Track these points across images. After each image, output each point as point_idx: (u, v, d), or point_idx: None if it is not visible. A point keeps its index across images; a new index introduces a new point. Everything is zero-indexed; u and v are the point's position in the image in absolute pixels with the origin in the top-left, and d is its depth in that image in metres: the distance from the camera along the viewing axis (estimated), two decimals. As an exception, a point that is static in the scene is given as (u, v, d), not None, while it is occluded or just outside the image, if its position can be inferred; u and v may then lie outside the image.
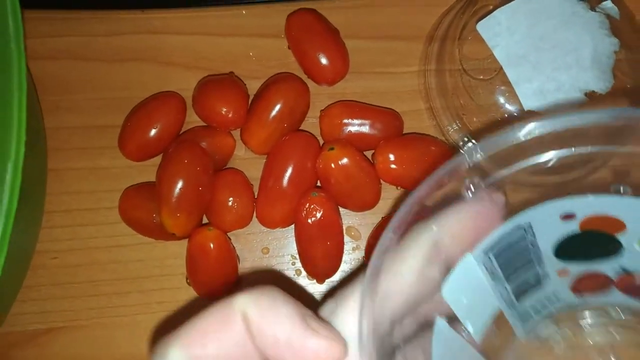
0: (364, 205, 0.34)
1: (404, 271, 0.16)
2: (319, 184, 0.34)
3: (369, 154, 0.34)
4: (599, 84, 0.29)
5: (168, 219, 0.31)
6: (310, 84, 0.35)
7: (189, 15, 0.36)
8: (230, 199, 0.33)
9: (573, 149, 0.17)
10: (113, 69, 0.36)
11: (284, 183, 0.32)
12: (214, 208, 0.33)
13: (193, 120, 0.35)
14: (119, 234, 0.35)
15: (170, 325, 0.32)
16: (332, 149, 0.32)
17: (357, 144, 0.33)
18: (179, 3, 0.36)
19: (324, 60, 0.34)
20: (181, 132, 0.35)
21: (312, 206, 0.32)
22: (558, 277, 0.20)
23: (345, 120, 0.33)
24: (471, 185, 0.16)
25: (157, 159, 0.35)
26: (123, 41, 0.36)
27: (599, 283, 0.21)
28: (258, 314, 0.16)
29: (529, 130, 0.15)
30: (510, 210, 0.17)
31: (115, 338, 0.34)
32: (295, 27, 0.35)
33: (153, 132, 0.34)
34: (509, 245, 0.18)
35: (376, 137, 0.34)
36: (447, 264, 0.17)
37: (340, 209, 0.34)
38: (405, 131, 0.35)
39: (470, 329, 0.18)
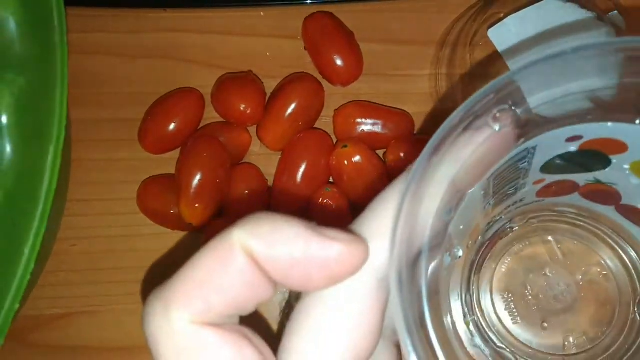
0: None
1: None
2: (331, 180, 0.35)
3: (380, 152, 0.35)
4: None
5: (186, 209, 0.32)
6: (325, 84, 0.36)
7: (210, 15, 0.38)
8: (246, 192, 0.34)
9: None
10: (136, 65, 0.37)
11: (298, 178, 0.34)
12: (230, 200, 0.34)
13: (211, 116, 0.37)
14: (136, 224, 0.36)
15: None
16: (345, 146, 0.33)
17: (369, 142, 0.34)
18: (200, 3, 0.37)
19: (339, 62, 0.35)
20: (199, 127, 0.36)
21: (324, 201, 0.33)
22: (532, 185, 0.21)
23: (359, 120, 0.35)
24: (498, 115, 0.15)
25: (175, 153, 0.36)
26: (146, 39, 0.38)
27: (565, 189, 0.21)
28: (263, 243, 0.14)
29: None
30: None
31: (129, 325, 0.35)
32: (311, 29, 0.36)
33: (172, 126, 0.35)
34: (508, 167, 0.18)
35: (388, 137, 0.35)
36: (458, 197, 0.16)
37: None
38: (416, 132, 0.36)
39: (460, 253, 0.19)
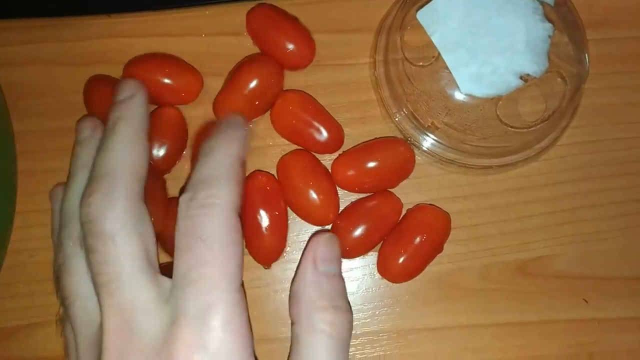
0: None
1: None
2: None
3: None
4: (534, 67, 0.31)
5: None
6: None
7: (154, 18, 0.38)
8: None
9: None
10: (81, 72, 0.37)
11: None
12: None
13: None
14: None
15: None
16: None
17: (299, 137, 0.35)
18: (143, 6, 0.37)
19: (290, 46, 0.35)
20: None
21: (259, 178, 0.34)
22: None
23: (296, 111, 0.35)
24: None
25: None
26: (91, 46, 0.38)
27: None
28: None
29: None
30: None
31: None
32: (256, 21, 0.36)
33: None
34: None
35: (316, 142, 0.35)
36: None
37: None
38: (363, 120, 0.37)
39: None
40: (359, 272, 0.36)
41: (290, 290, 0.28)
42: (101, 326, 0.23)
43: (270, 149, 0.37)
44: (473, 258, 0.36)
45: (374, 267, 0.36)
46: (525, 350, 0.36)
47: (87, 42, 0.38)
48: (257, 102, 0.35)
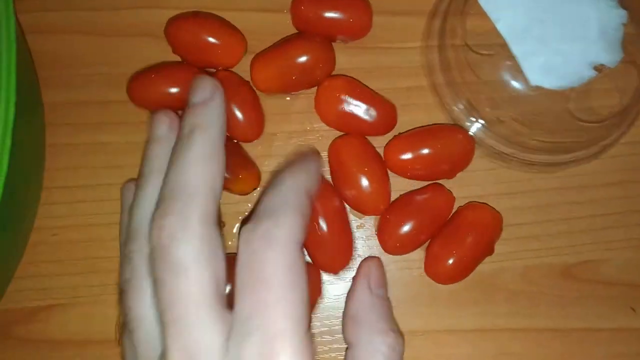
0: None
1: None
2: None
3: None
4: (607, 56, 0.29)
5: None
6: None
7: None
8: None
9: None
10: (114, 43, 0.35)
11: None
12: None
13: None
14: (118, 211, 0.34)
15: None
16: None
17: (345, 122, 0.33)
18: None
19: (344, 15, 0.33)
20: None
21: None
22: None
23: (343, 96, 0.33)
24: None
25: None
26: (122, 16, 0.36)
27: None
28: None
29: None
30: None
31: (114, 316, 0.34)
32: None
33: (174, 90, 0.33)
34: None
35: (366, 124, 0.33)
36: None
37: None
38: (409, 107, 0.35)
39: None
40: (395, 267, 0.34)
41: (346, 314, 0.28)
42: None
43: (309, 133, 0.35)
44: (515, 258, 0.35)
45: (412, 263, 0.34)
46: (567, 358, 0.34)
47: (118, 12, 0.36)
48: (294, 77, 0.33)
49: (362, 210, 0.34)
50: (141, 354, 0.23)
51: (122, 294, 0.25)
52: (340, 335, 0.31)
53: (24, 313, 0.34)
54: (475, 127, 0.33)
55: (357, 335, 0.26)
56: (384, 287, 0.29)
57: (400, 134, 0.34)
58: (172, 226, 0.22)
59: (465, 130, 0.33)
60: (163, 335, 0.21)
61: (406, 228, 0.32)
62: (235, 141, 0.34)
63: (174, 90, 0.33)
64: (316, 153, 0.28)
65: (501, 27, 0.29)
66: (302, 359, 0.20)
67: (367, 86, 0.34)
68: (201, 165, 0.23)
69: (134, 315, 0.24)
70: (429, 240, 0.33)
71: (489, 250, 0.33)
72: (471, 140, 0.33)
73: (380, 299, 0.28)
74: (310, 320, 0.22)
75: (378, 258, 0.32)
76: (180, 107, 0.33)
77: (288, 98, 0.35)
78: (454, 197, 0.34)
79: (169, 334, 0.21)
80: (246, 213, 0.35)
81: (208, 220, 0.22)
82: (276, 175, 0.25)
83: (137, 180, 0.27)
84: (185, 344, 0.21)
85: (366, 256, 0.34)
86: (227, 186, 0.33)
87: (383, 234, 0.33)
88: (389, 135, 0.34)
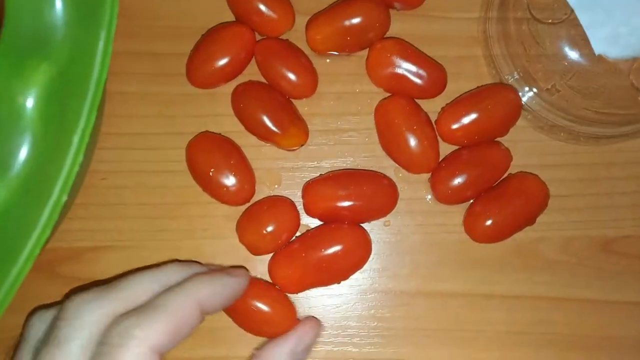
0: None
1: None
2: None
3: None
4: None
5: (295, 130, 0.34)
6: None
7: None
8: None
9: None
10: (172, -3, 0.36)
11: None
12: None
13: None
14: (167, 159, 0.35)
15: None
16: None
17: (395, 84, 0.34)
18: None
19: None
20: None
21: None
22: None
23: (394, 58, 0.33)
24: None
25: (214, 90, 0.35)
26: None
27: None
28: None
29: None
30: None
31: (156, 261, 0.34)
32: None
33: (225, 61, 0.34)
34: None
35: (416, 86, 0.34)
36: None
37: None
38: (460, 75, 0.35)
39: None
40: (437, 229, 0.35)
41: None
42: None
43: (358, 95, 0.36)
44: (557, 229, 0.35)
45: (453, 227, 0.35)
46: (604, 330, 0.34)
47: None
48: (349, 38, 0.34)
49: (412, 169, 0.34)
50: None
51: None
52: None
53: (71, 252, 0.35)
54: (528, 96, 0.34)
55: None
56: (308, 353, 0.30)
57: (448, 104, 0.35)
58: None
59: (509, 86, 0.33)
60: None
61: (459, 179, 0.32)
62: (287, 97, 0.35)
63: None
64: (245, 273, 0.30)
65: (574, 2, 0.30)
66: None
67: (418, 49, 0.35)
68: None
69: None
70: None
71: (531, 220, 0.34)
72: (516, 93, 0.33)
73: None
74: None
75: (318, 321, 0.32)
76: (234, 76, 0.35)
77: (340, 59, 0.36)
78: (511, 154, 0.34)
79: None
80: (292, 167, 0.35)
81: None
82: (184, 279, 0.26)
83: None
84: None
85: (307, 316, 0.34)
86: (275, 140, 0.34)
87: (436, 182, 0.33)
88: (438, 100, 0.35)
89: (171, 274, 0.26)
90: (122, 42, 0.35)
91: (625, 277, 0.35)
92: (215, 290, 0.27)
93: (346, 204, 0.33)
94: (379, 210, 0.34)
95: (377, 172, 0.34)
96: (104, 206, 0.35)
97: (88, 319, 0.23)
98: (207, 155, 0.34)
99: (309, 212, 0.34)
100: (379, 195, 0.33)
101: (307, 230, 0.34)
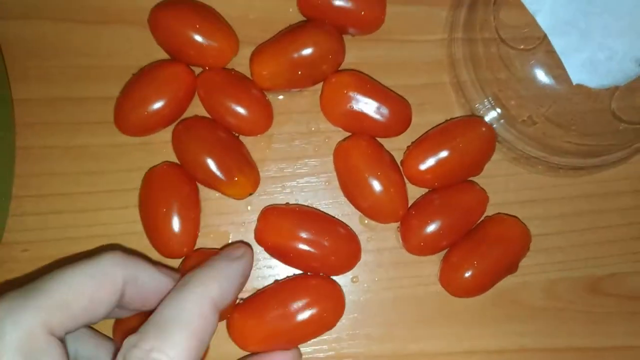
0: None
1: None
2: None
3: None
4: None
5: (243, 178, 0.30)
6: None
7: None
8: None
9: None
10: (92, 32, 0.31)
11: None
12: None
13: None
14: (97, 222, 0.31)
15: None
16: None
17: (354, 122, 0.30)
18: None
19: (355, 5, 0.30)
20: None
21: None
22: None
23: (352, 93, 0.30)
24: None
25: (147, 138, 0.31)
26: (105, 0, 0.31)
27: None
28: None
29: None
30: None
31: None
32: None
33: (161, 104, 0.29)
34: None
35: (378, 123, 0.30)
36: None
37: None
38: (425, 106, 0.32)
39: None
40: (409, 282, 0.31)
41: None
42: None
43: (314, 135, 0.32)
44: (539, 272, 0.32)
45: (427, 279, 0.31)
46: (597, 380, 0.32)
47: (98, -4, 0.32)
48: (300, 72, 0.30)
49: (379, 219, 0.30)
50: None
51: None
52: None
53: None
54: (502, 127, 0.30)
55: None
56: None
57: (413, 142, 0.31)
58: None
59: (480, 118, 0.30)
60: None
61: (432, 227, 0.29)
62: (237, 136, 0.31)
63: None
64: (246, 250, 0.26)
65: (541, 19, 0.26)
66: None
67: (378, 82, 0.31)
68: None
69: None
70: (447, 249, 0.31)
71: (513, 268, 0.30)
72: (489, 126, 0.30)
73: None
74: None
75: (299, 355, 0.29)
76: (172, 120, 0.30)
77: (291, 96, 0.32)
78: (487, 195, 0.31)
79: None
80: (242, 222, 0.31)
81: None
82: (184, 278, 0.23)
83: None
84: None
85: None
86: (220, 188, 0.30)
87: (406, 231, 0.30)
88: (403, 137, 0.31)
89: (108, 267, 0.22)
90: (37, 87, 0.31)
91: (614, 318, 0.32)
92: (226, 282, 0.23)
93: (303, 247, 0.29)
94: (338, 266, 0.30)
95: (339, 220, 0.31)
96: (27, 282, 0.30)
97: (12, 336, 0.18)
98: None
99: (259, 241, 0.30)
100: (340, 249, 0.30)
101: (275, 282, 0.30)
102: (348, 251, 0.30)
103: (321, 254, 0.29)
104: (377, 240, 0.31)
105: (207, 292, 0.22)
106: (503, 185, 0.32)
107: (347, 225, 0.30)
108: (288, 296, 0.28)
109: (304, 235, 0.29)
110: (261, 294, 0.29)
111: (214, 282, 0.22)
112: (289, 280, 0.30)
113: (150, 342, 0.20)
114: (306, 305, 0.28)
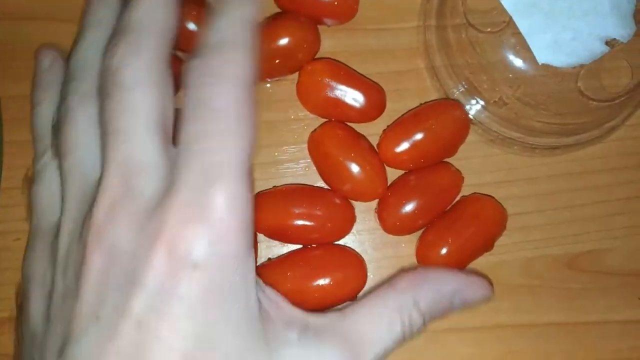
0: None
1: None
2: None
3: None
4: (620, 30, 0.27)
5: None
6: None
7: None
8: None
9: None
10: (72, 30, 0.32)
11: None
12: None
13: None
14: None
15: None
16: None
17: (330, 109, 0.31)
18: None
19: None
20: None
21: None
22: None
23: (327, 81, 0.30)
24: None
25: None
26: None
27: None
28: None
29: None
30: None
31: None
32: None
33: None
34: None
35: (353, 109, 0.31)
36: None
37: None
38: (402, 92, 0.32)
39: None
40: (386, 263, 0.32)
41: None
42: (99, 179, 0.21)
43: (292, 123, 0.33)
44: (516, 250, 0.33)
45: (407, 258, 0.32)
46: (574, 354, 0.32)
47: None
48: (277, 61, 0.31)
49: (360, 198, 0.31)
50: (70, 184, 0.23)
51: (55, 132, 0.24)
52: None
53: (-8, 324, 0.31)
54: (475, 109, 0.31)
55: None
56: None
57: (388, 126, 0.32)
58: (124, 51, 0.21)
59: (454, 101, 0.31)
60: (103, 149, 0.21)
61: (409, 207, 0.30)
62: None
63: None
64: None
65: (506, 2, 0.27)
66: (241, 189, 0.20)
67: (353, 69, 0.32)
68: (155, 8, 0.22)
69: (68, 143, 0.23)
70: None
71: (489, 246, 0.31)
72: (462, 109, 0.31)
73: None
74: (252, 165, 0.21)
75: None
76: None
77: (268, 85, 0.33)
78: (462, 176, 0.31)
79: (107, 146, 0.21)
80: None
81: (159, 55, 0.22)
82: (211, 7, 0.22)
83: (76, 37, 0.26)
84: (123, 155, 0.20)
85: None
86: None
87: (383, 211, 0.31)
88: (379, 122, 0.32)
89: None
90: (24, 84, 0.32)
91: (592, 295, 0.33)
92: (255, 6, 0.23)
93: (299, 223, 0.30)
94: (336, 231, 0.31)
95: (325, 189, 0.32)
96: (20, 270, 0.31)
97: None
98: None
99: (256, 228, 0.31)
100: (334, 214, 0.31)
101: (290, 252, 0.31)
102: (342, 215, 0.31)
103: (318, 224, 0.30)
104: (357, 223, 0.32)
105: (244, 14, 0.22)
106: (479, 167, 0.33)
107: (333, 192, 0.31)
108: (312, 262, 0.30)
109: (297, 210, 0.30)
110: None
111: (245, 4, 0.22)
112: (311, 248, 0.31)
113: (216, 59, 0.21)
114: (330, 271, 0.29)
